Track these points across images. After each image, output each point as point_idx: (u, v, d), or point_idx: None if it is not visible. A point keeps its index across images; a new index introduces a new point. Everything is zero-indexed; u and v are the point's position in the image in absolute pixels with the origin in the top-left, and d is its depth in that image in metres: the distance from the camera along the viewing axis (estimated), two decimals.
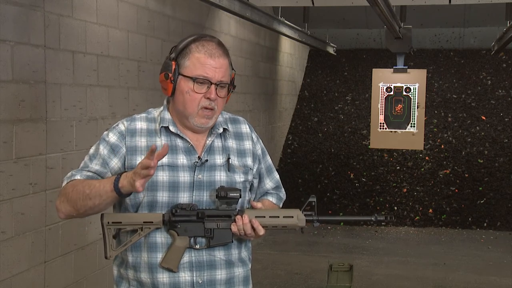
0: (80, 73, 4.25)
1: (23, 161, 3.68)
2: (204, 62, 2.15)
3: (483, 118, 10.23)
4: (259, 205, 2.23)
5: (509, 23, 7.21)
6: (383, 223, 9.09)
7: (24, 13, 3.65)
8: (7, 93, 3.52)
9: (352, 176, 9.87)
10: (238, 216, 2.15)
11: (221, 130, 2.26)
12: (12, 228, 3.61)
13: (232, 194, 2.13)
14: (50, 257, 3.99)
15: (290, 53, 10.49)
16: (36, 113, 3.79)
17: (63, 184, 2.19)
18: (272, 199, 2.41)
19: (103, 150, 2.20)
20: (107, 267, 4.61)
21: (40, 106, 3.83)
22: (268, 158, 2.42)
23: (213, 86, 2.15)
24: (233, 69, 2.26)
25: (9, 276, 3.59)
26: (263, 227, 2.16)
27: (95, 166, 2.18)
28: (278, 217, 2.20)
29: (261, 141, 2.41)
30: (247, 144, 2.31)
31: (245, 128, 2.34)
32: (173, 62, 2.18)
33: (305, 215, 2.20)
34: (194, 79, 2.15)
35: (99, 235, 4.31)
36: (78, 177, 2.17)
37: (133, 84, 5.00)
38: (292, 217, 2.20)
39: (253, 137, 2.35)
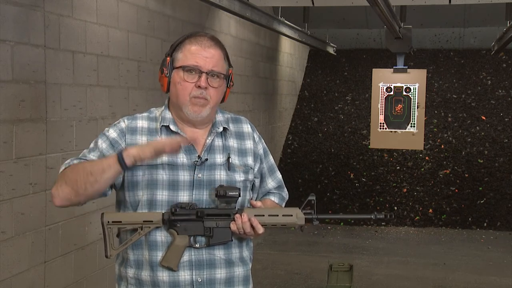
0: (80, 73, 4.25)
1: (23, 161, 3.68)
2: (195, 52, 2.18)
3: (483, 118, 10.23)
4: (258, 203, 2.23)
5: (509, 23, 7.21)
6: (383, 223, 9.09)
7: (24, 13, 3.65)
8: (7, 93, 3.52)
9: (352, 176, 9.87)
10: (237, 215, 2.15)
11: (221, 129, 2.26)
12: (12, 228, 3.61)
13: (231, 193, 2.14)
14: (50, 257, 3.99)
15: (290, 53, 10.49)
16: (36, 113, 3.79)
17: (60, 171, 2.17)
18: (274, 198, 2.41)
19: (102, 144, 2.21)
20: (107, 267, 4.61)
21: (40, 106, 3.83)
22: (271, 158, 2.41)
23: (203, 75, 2.16)
24: (231, 66, 2.27)
25: (9, 276, 3.59)
26: (262, 225, 2.16)
27: (93, 157, 2.18)
28: (277, 215, 2.20)
29: (263, 141, 2.40)
30: (248, 144, 2.31)
31: (246, 127, 2.34)
32: (167, 58, 2.22)
33: (304, 213, 2.21)
34: (184, 68, 2.17)
35: (99, 235, 4.31)
36: (75, 161, 2.16)
37: (133, 84, 5.00)
38: (291, 215, 2.20)
39: (255, 136, 2.35)
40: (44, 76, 3.85)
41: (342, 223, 9.13)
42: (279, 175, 2.43)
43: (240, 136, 2.31)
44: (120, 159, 2.03)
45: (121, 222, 2.17)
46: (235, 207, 2.17)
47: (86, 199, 2.12)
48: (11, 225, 3.60)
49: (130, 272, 2.20)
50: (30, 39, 3.71)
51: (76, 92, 4.21)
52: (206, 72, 2.16)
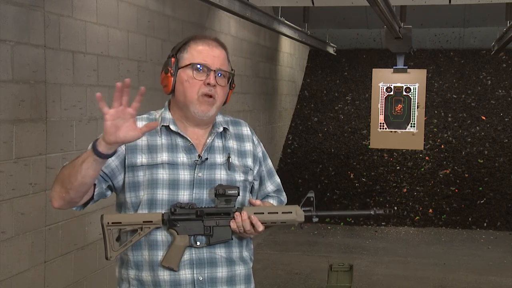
0: (80, 73, 4.25)
1: (23, 161, 3.68)
2: (202, 51, 2.20)
3: (483, 118, 10.23)
4: (258, 202, 2.25)
5: (509, 23, 7.21)
6: (383, 223, 9.09)
7: (24, 13, 3.65)
8: (7, 93, 3.52)
9: (352, 176, 9.87)
10: (237, 213, 2.16)
11: (221, 129, 2.27)
12: (12, 228, 3.61)
13: (230, 192, 2.15)
14: (50, 257, 3.99)
15: (290, 53, 10.49)
16: (36, 113, 3.79)
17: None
18: (273, 201, 2.41)
19: None
20: (107, 267, 4.61)
21: (40, 106, 3.83)
22: (269, 162, 2.43)
23: (212, 73, 2.18)
24: (232, 69, 2.28)
25: (9, 276, 3.59)
26: (262, 223, 2.17)
27: None
28: (277, 213, 2.21)
29: (262, 145, 2.42)
30: (248, 146, 2.33)
31: (246, 130, 2.36)
32: (172, 58, 2.22)
33: (303, 210, 2.22)
34: (193, 65, 2.18)
35: (99, 235, 4.31)
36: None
37: (133, 84, 4.97)
38: (291, 212, 2.21)
39: (254, 139, 2.37)
40: (44, 76, 3.85)
41: (342, 223, 9.13)
42: (277, 179, 2.45)
43: (239, 138, 2.32)
44: (94, 147, 2.00)
45: (121, 223, 2.16)
46: (235, 206, 2.18)
47: (77, 194, 2.06)
48: (11, 225, 3.60)
49: (131, 273, 2.20)
50: (30, 39, 3.71)
51: (76, 92, 4.21)
52: (214, 70, 2.18)
